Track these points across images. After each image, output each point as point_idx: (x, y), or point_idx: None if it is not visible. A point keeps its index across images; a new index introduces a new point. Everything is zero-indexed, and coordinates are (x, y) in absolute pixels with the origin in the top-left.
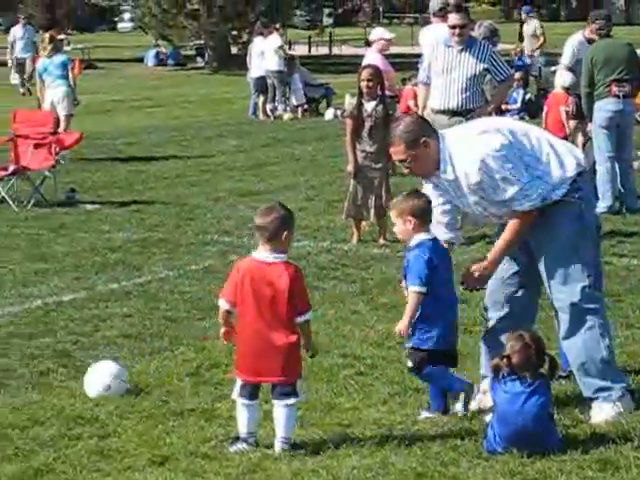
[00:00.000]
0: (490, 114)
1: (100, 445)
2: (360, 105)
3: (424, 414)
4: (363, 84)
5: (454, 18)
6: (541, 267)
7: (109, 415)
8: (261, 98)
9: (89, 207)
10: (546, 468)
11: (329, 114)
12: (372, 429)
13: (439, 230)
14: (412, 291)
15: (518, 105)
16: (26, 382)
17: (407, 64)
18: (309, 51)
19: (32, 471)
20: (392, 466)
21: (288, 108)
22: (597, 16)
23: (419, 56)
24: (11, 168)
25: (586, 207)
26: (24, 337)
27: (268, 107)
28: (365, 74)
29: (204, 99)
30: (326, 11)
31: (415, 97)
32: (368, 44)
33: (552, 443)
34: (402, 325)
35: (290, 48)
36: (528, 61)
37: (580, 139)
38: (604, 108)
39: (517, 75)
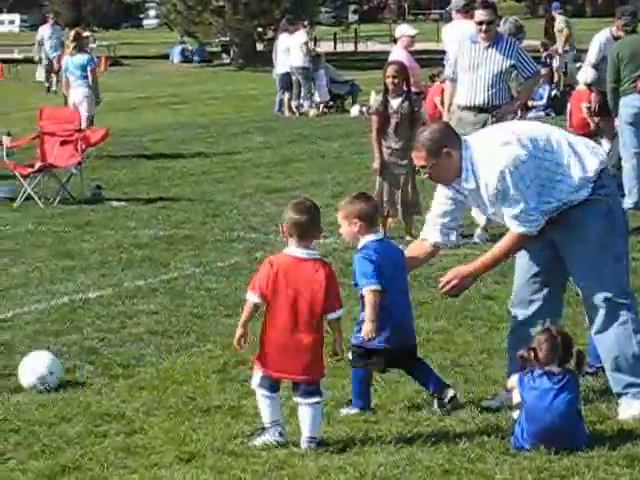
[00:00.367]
0: (516, 111)
1: (127, 442)
2: (386, 102)
3: (343, 411)
4: (389, 80)
5: (481, 14)
6: (571, 266)
7: (135, 412)
8: (286, 95)
9: (115, 204)
10: (573, 464)
11: (355, 111)
12: (398, 426)
13: (431, 229)
14: (367, 291)
15: (544, 101)
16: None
17: (433, 60)
18: (334, 48)
19: (59, 468)
20: (419, 463)
21: (313, 105)
22: (623, 12)
23: (444, 52)
24: (37, 165)
25: (614, 203)
26: (51, 334)
27: (293, 104)
28: (391, 70)
29: (230, 96)
30: (351, 8)
31: (442, 94)
32: (394, 40)
33: (579, 440)
34: (368, 328)
35: (315, 45)
36: (555, 62)
37: (606, 135)
38: (630, 104)
39: (543, 71)
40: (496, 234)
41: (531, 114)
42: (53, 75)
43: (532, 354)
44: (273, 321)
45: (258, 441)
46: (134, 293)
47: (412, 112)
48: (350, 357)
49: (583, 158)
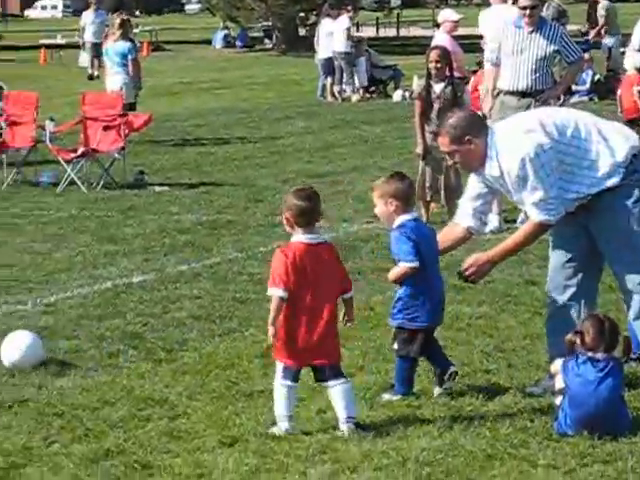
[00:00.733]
0: (559, 95)
1: (170, 426)
2: (428, 87)
3: (385, 396)
4: (431, 65)
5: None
6: (606, 251)
7: (179, 396)
8: (329, 80)
9: (158, 189)
10: (616, 450)
11: (397, 96)
12: (441, 410)
13: (463, 213)
14: (403, 267)
15: (587, 86)
16: (96, 363)
17: (476, 45)
18: (377, 33)
19: (102, 452)
20: (461, 448)
21: (356, 90)
22: None
23: (482, 37)
24: (80, 150)
25: None
26: (94, 318)
27: (336, 89)
28: (433, 55)
29: (272, 81)
30: None
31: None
32: (436, 25)
33: (623, 425)
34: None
35: (358, 30)
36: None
37: None
38: None
39: (586, 56)
40: None
41: (574, 99)
42: (96, 60)
43: (579, 339)
44: (295, 310)
45: (274, 429)
46: (177, 278)
47: (455, 97)
48: (395, 347)
49: (613, 143)
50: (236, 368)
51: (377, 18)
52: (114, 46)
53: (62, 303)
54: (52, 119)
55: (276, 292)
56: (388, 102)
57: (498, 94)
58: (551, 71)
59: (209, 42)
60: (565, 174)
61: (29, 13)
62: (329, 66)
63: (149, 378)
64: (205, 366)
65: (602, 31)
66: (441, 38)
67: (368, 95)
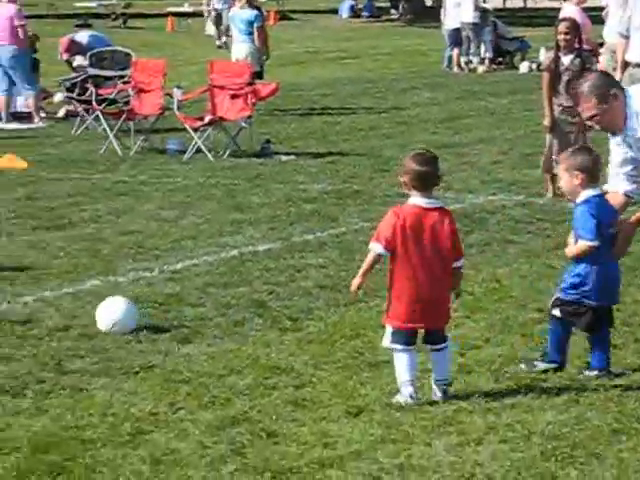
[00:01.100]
0: None
1: (295, 395)
2: (557, 59)
3: (539, 365)
4: (560, 37)
5: None
6: None
7: (304, 365)
8: (455, 50)
9: (284, 158)
10: None
11: (524, 67)
12: (567, 384)
13: (616, 180)
14: (585, 245)
15: None
16: (222, 331)
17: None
18: (503, 4)
19: (228, 420)
20: (588, 422)
21: (482, 61)
22: None
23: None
24: (208, 118)
25: None
26: (220, 286)
27: (462, 60)
28: (562, 27)
29: (398, 51)
30: None
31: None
32: None
33: None
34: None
35: (484, 1)
36: None
37: None
38: None
39: None
40: None
41: None
42: (222, 28)
43: None
44: (406, 272)
45: (395, 399)
46: (303, 247)
47: (583, 69)
48: (558, 314)
49: None
50: (361, 338)
51: None
52: (240, 13)
53: (188, 270)
54: (179, 87)
55: (375, 247)
56: (514, 74)
57: (627, 66)
58: None
59: (335, 11)
60: None
61: None
62: (456, 37)
63: (275, 347)
64: (330, 335)
65: None
66: (570, 10)
67: (494, 66)
